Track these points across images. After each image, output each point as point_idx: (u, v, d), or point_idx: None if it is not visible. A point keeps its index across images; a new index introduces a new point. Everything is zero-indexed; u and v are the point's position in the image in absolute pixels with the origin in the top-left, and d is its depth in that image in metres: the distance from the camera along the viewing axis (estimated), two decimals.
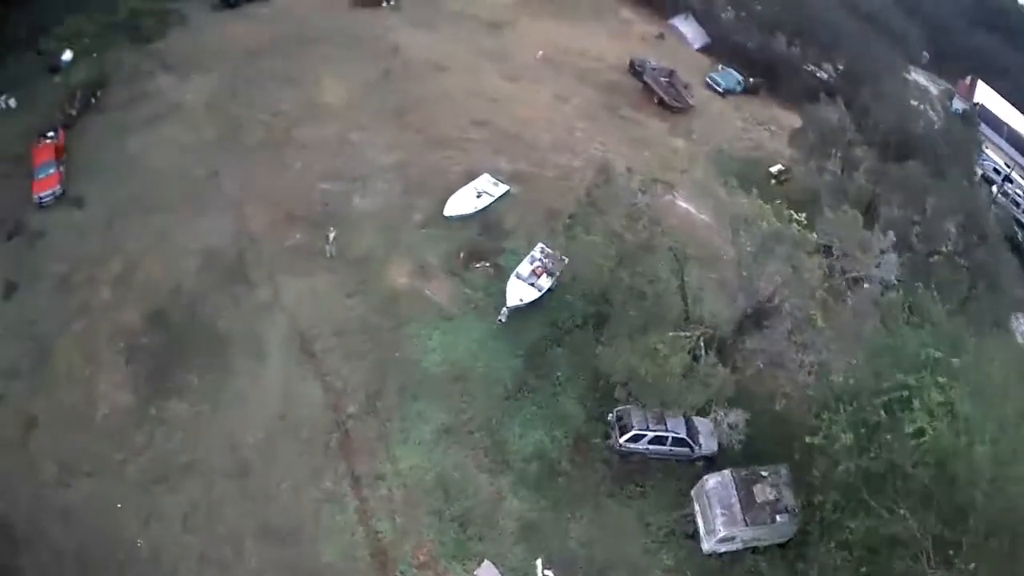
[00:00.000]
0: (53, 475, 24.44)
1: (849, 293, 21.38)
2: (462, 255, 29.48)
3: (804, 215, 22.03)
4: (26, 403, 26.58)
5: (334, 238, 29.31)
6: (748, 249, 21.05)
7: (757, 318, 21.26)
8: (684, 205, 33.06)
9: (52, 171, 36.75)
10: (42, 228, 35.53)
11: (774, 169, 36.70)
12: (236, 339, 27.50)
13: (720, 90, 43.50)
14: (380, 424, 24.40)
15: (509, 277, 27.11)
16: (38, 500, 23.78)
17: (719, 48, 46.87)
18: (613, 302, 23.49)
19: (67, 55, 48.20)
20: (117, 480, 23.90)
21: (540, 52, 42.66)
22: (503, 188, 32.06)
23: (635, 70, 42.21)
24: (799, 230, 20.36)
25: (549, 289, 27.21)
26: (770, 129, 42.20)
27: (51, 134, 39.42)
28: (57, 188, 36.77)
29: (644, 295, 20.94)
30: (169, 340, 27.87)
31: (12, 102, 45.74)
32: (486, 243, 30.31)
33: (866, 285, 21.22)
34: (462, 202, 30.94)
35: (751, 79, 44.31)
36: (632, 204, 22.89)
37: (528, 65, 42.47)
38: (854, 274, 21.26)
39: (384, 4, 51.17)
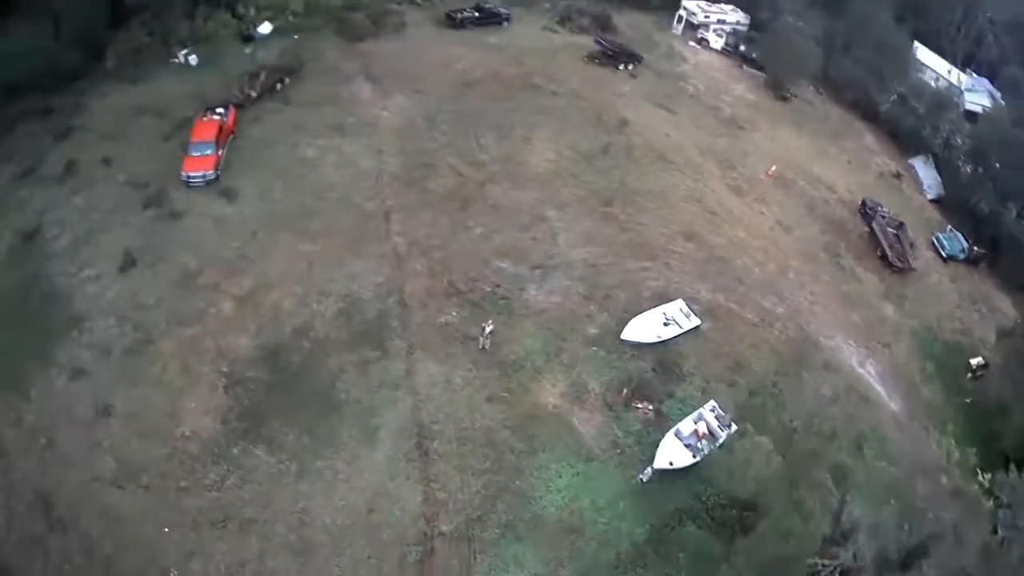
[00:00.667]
0: (110, 471, 29.43)
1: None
2: (625, 390, 32.72)
3: (989, 476, 24.53)
4: (108, 387, 32.12)
5: (491, 331, 33.22)
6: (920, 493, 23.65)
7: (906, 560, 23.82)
8: (877, 387, 37.59)
9: (210, 152, 43.77)
10: (183, 209, 41.63)
11: (973, 362, 41.15)
12: (350, 408, 31.60)
13: (943, 254, 48.35)
14: (470, 554, 27.21)
15: (668, 431, 30.32)
16: (87, 491, 28.65)
17: (951, 202, 52.42)
18: (764, 506, 27.09)
19: (265, 28, 59.03)
20: (172, 505, 28.23)
21: (773, 167, 48.81)
22: (694, 322, 35.77)
23: (865, 212, 48.14)
24: (979, 493, 23.03)
25: (707, 455, 29.84)
26: (981, 310, 45.81)
27: (220, 110, 47.36)
28: (211, 172, 43.89)
29: (801, 504, 23.77)
30: (277, 383, 32.46)
31: (193, 59, 55.84)
32: (656, 381, 33.55)
33: None
34: (646, 327, 34.59)
35: (975, 248, 48.49)
36: (818, 411, 26.20)
37: (757, 179, 48.60)
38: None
39: (621, 68, 59.79)
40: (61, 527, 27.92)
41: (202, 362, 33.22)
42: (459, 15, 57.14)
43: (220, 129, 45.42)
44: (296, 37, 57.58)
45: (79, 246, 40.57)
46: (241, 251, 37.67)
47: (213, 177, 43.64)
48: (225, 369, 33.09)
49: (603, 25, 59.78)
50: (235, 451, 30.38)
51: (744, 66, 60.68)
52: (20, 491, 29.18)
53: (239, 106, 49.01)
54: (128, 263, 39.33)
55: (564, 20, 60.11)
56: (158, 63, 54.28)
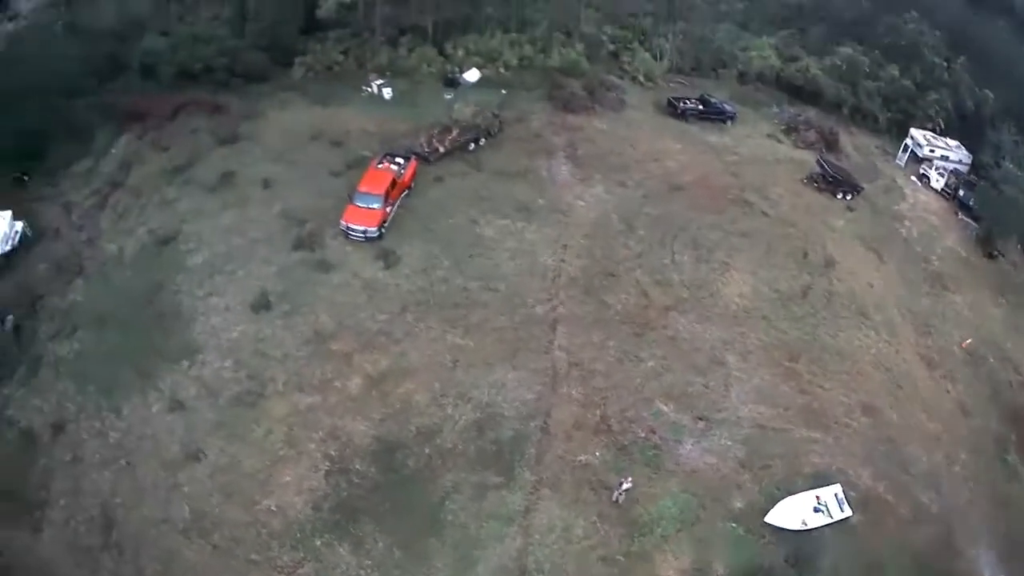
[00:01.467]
0: (182, 519, 37.93)
1: None
2: None
3: None
4: (204, 431, 41.08)
5: (627, 488, 38.97)
6: None
7: None
8: None
9: (377, 206, 50.38)
10: (334, 261, 49.65)
11: None
12: (453, 532, 37.26)
13: None
14: None
15: None
16: (153, 529, 37.81)
17: None
18: None
19: (472, 75, 70.90)
20: (236, 573, 35.97)
21: (968, 340, 54.44)
22: (846, 512, 40.62)
23: None
24: None
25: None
26: None
27: (400, 160, 57.16)
28: (373, 229, 52.64)
29: None
30: (384, 483, 38.90)
31: (387, 92, 67.77)
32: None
33: None
34: (794, 511, 39.57)
35: None
36: None
37: (950, 350, 54.04)
38: None
39: (839, 196, 65.57)
40: (117, 550, 37.18)
41: (311, 437, 41.01)
42: (682, 104, 67.56)
43: (394, 183, 54.67)
44: (503, 92, 69.10)
45: (214, 269, 50.76)
46: (385, 326, 45.49)
47: (375, 235, 52.69)
48: (333, 452, 40.54)
49: (829, 143, 69.09)
50: (318, 542, 37.11)
51: (959, 214, 67.63)
52: (87, 501, 38.91)
53: (423, 159, 59.26)
54: (261, 304, 48.76)
55: (790, 129, 69.97)
56: (348, 87, 66.84)
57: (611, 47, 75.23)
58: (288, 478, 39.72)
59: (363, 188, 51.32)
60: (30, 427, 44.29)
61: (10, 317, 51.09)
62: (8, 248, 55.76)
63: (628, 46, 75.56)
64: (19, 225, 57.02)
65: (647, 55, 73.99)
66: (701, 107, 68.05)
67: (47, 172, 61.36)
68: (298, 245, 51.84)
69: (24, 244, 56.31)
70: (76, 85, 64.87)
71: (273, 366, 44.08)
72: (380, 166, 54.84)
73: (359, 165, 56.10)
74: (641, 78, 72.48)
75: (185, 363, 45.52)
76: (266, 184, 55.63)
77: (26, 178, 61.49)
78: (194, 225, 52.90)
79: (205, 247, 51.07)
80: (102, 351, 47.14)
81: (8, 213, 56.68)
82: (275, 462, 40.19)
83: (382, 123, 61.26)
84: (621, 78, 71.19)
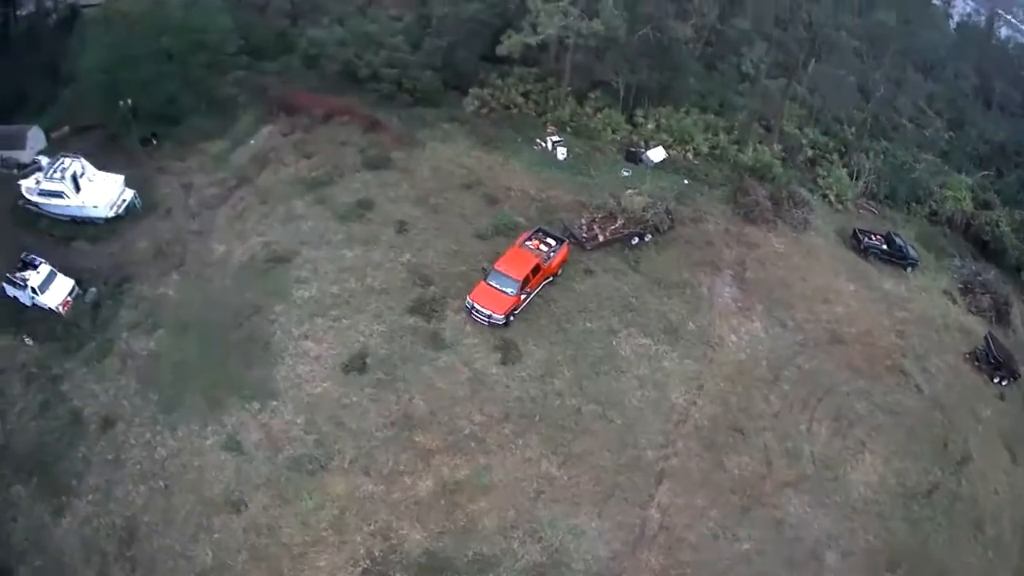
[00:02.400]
0: (202, 563, 42.73)
1: None
2: None
3: None
4: (253, 484, 45.96)
5: None
6: None
7: None
8: None
9: (511, 291, 51.89)
10: (449, 339, 52.33)
11: None
12: None
13: None
14: None
15: None
16: (172, 561, 43.14)
17: None
18: None
19: (657, 154, 72.24)
20: None
21: None
22: None
23: None
24: None
25: None
26: None
27: (552, 242, 58.47)
28: (499, 317, 53.69)
29: None
30: None
31: (561, 152, 69.92)
32: None
33: None
34: None
35: None
36: None
37: None
38: None
39: (995, 381, 63.56)
40: (130, 564, 42.55)
41: (361, 528, 43.82)
42: (867, 240, 69.87)
43: (537, 268, 55.22)
44: (686, 183, 70.75)
45: (319, 310, 53.86)
46: (480, 430, 47.65)
47: (500, 322, 53.05)
48: (378, 552, 43.07)
49: (1000, 314, 70.64)
50: None
51: None
52: (115, 507, 44.16)
53: (578, 244, 61.32)
54: (356, 365, 51.54)
55: (966, 290, 71.39)
56: (520, 134, 70.06)
57: (809, 152, 78.11)
58: (323, 563, 42.65)
59: (501, 267, 53.15)
60: (80, 410, 49.36)
61: (93, 290, 56.57)
62: (111, 214, 61.13)
63: (827, 156, 78.44)
64: (130, 194, 62.32)
65: (843, 172, 76.32)
66: (885, 246, 70.04)
67: (178, 141, 66.83)
68: (415, 309, 54.29)
69: (130, 215, 61.66)
70: (229, 58, 70.11)
71: (346, 439, 47.04)
72: (528, 244, 55.57)
73: (508, 233, 58.51)
74: (832, 197, 74.82)
75: (256, 405, 48.91)
76: (401, 227, 58.94)
77: (154, 141, 67.24)
78: (313, 252, 56.44)
79: (317, 281, 54.41)
80: (176, 360, 51.22)
81: (121, 178, 61.96)
82: (316, 541, 43.12)
83: (547, 187, 63.92)
84: (812, 192, 73.24)
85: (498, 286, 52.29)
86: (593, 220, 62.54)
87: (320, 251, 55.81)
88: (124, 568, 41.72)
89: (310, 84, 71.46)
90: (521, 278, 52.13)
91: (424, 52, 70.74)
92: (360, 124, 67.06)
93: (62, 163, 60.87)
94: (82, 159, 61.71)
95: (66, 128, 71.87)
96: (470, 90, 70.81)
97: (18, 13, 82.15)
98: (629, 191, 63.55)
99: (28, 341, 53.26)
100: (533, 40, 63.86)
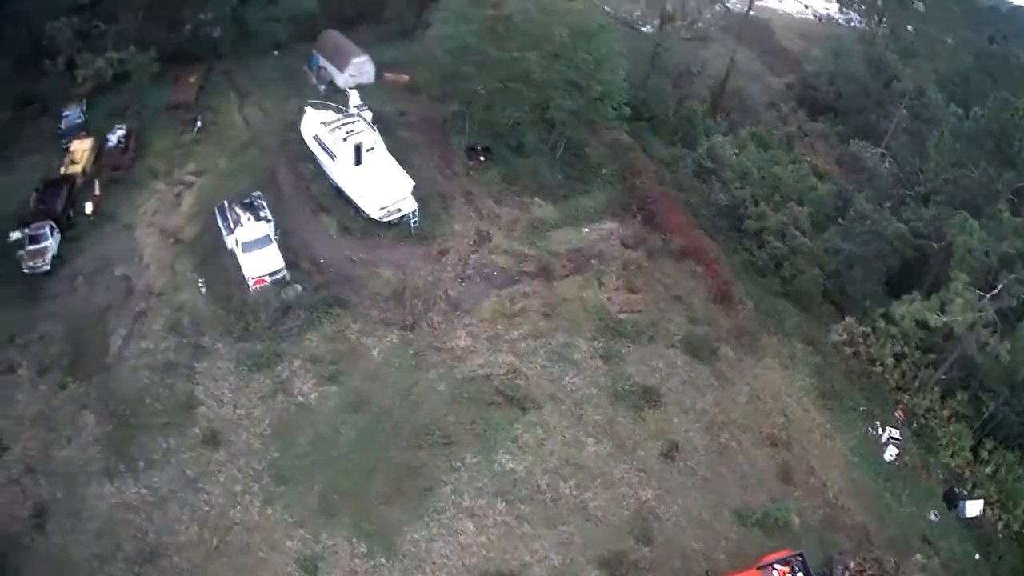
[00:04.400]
0: None
1: None
2: None
3: None
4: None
5: None
6: None
7: None
8: None
9: None
10: None
11: None
12: None
13: None
14: None
15: None
16: None
17: None
18: None
19: (974, 507, 56.10)
20: None
21: None
22: None
23: None
24: None
25: None
26: None
27: None
28: None
29: None
30: None
31: (889, 453, 55.43)
32: None
33: None
34: None
35: None
36: None
37: None
38: None
39: None
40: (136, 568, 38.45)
41: None
42: None
43: None
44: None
45: (485, 487, 43.69)
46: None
47: None
48: None
49: None
50: None
51: None
52: (152, 521, 40.13)
53: None
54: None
55: None
56: (868, 400, 56.91)
57: None
58: None
59: None
60: (194, 404, 44.96)
61: (298, 288, 49.30)
62: (377, 217, 53.29)
63: None
64: (411, 207, 54.03)
65: None
66: None
67: (510, 173, 61.23)
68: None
69: (396, 228, 54.07)
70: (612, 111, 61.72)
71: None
72: (774, 570, 43.99)
73: (772, 532, 46.60)
74: None
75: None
76: (671, 450, 48.47)
77: (482, 157, 60.51)
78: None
79: (524, 457, 46.10)
80: (324, 435, 44.35)
81: (410, 184, 54.21)
82: None
83: (847, 490, 51.91)
84: None
85: None
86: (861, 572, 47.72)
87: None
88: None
89: (693, 202, 63.33)
90: None
91: (820, 242, 60.72)
92: (711, 286, 56.66)
93: (355, 121, 55.44)
94: (377, 133, 56.14)
95: (405, 77, 66.35)
96: (845, 318, 58.91)
97: None
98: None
99: (201, 287, 49.68)
100: (933, 320, 53.77)
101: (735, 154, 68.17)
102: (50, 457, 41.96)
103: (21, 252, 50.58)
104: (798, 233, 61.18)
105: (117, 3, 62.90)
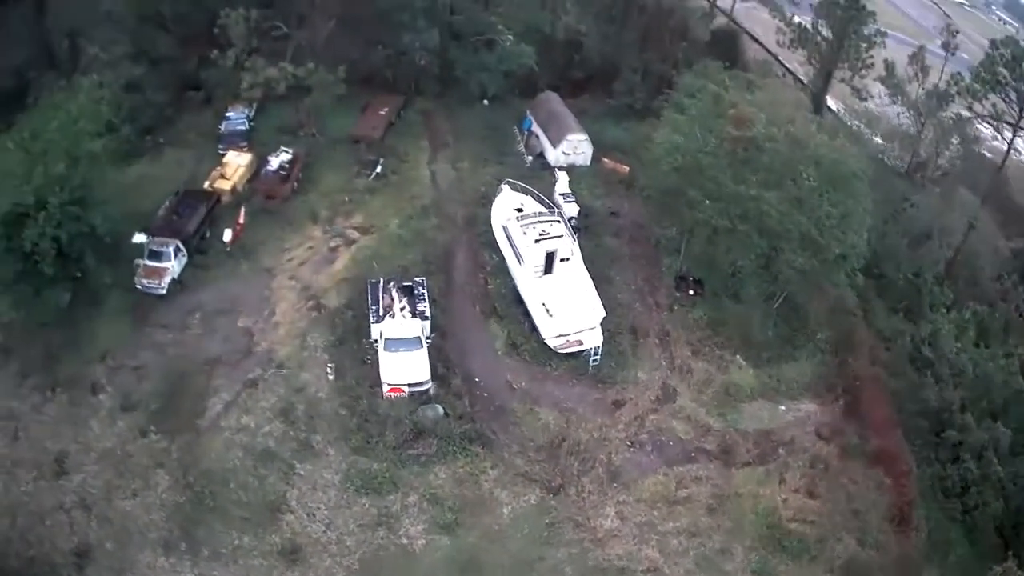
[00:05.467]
0: None
1: None
2: None
3: None
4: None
5: None
6: None
7: None
8: None
9: None
10: None
11: None
12: None
13: None
14: None
15: None
16: None
17: None
18: None
19: None
20: None
21: None
22: None
23: None
24: None
25: None
26: None
27: None
28: None
29: None
30: None
31: None
32: None
33: None
34: None
35: None
36: None
37: None
38: None
39: None
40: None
41: None
42: None
43: None
44: None
45: None
46: None
47: None
48: None
49: None
50: None
51: None
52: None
53: None
54: None
55: None
56: None
57: None
58: None
59: None
60: None
61: (439, 409, 43.19)
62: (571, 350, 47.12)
63: None
64: (596, 341, 47.60)
65: None
66: None
67: (720, 335, 53.02)
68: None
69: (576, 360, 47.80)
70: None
71: None
72: None
73: None
74: None
75: None
76: None
77: (691, 291, 53.98)
78: None
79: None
80: None
81: (600, 314, 47.82)
82: None
83: None
84: None
85: None
86: None
87: None
88: None
89: (901, 392, 54.38)
90: None
91: (1013, 468, 51.23)
92: (893, 503, 48.66)
93: (554, 222, 50.08)
94: (576, 242, 50.12)
95: (625, 168, 60.32)
96: (1009, 558, 47.56)
97: None
98: None
99: (330, 373, 44.19)
100: None
101: (957, 349, 59.01)
102: (109, 503, 38.38)
103: (138, 262, 44.89)
104: (995, 459, 52.76)
105: (306, 3, 56.84)
